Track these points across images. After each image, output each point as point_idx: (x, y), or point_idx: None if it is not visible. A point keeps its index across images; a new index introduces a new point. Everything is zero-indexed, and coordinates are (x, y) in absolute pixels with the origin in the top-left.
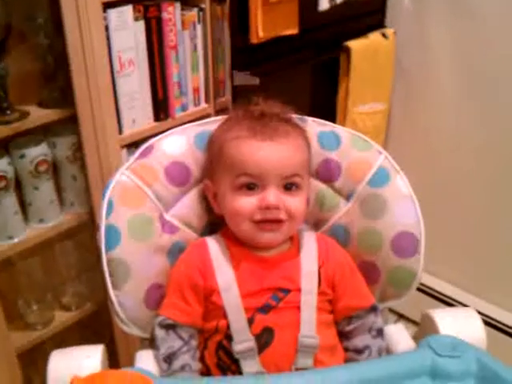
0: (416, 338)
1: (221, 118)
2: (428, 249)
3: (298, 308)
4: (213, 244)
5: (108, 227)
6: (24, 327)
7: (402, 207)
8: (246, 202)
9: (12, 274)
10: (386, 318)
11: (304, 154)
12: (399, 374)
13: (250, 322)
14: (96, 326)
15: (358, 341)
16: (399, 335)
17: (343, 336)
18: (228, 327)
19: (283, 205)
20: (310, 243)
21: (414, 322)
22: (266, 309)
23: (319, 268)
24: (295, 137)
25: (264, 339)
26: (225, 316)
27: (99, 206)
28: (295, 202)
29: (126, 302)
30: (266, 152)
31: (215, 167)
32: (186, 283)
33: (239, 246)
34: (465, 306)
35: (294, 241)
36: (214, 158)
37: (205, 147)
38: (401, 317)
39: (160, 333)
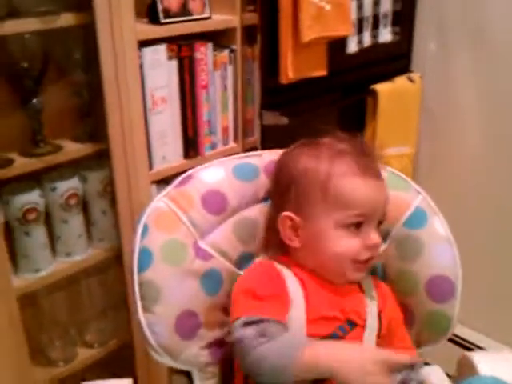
0: (454, 382)
1: (261, 152)
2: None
3: None
4: (277, 264)
5: (141, 250)
6: (46, 363)
7: (439, 250)
8: (353, 243)
9: (37, 308)
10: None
11: None
12: None
13: None
14: (118, 365)
15: None
16: (437, 377)
17: None
18: None
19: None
20: (369, 283)
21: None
22: (332, 339)
23: (380, 312)
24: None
25: None
26: None
27: (128, 241)
28: (380, 239)
29: (157, 326)
30: (376, 192)
31: (311, 200)
32: (266, 293)
33: (306, 272)
34: None
35: None
36: (310, 191)
37: (244, 177)
38: None
39: (246, 331)
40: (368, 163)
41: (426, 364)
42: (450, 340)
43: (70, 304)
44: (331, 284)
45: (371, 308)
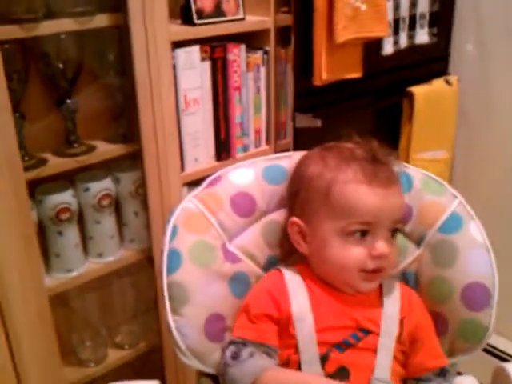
0: None
1: (290, 153)
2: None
3: (375, 352)
4: (288, 274)
5: (170, 251)
6: (77, 363)
7: (475, 256)
8: (358, 252)
9: (68, 308)
10: (454, 376)
11: (404, 199)
12: None
13: (325, 358)
14: (147, 367)
15: None
16: None
17: None
18: (299, 362)
19: (389, 254)
20: (393, 290)
21: None
22: (343, 346)
23: (402, 318)
24: (399, 182)
25: (338, 379)
26: (297, 349)
27: (159, 243)
28: (394, 250)
29: (185, 328)
30: (383, 201)
31: (315, 207)
32: (258, 311)
33: (317, 281)
34: None
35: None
36: (315, 197)
37: (273, 180)
38: None
39: (227, 350)
40: (376, 170)
41: (460, 374)
42: (486, 350)
43: (101, 305)
44: (342, 293)
45: (390, 314)
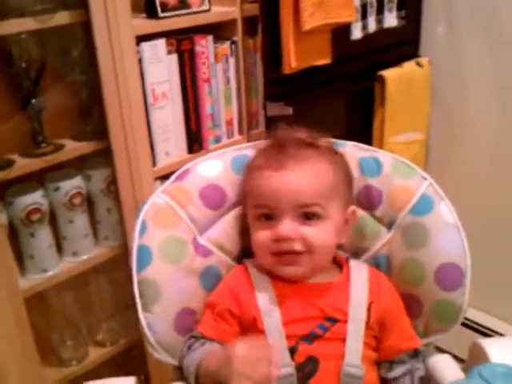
0: (465, 369)
1: (258, 142)
2: (473, 281)
3: (344, 340)
4: (253, 269)
5: (140, 248)
6: (58, 363)
7: (447, 237)
8: (263, 235)
9: (46, 308)
10: (431, 354)
11: (326, 179)
12: None
13: (294, 350)
14: (130, 363)
15: None
16: (446, 365)
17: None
18: None
19: (299, 235)
20: (361, 275)
21: (460, 360)
22: (310, 338)
23: (370, 303)
24: (316, 161)
25: (308, 368)
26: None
27: (132, 235)
28: (314, 233)
29: (156, 325)
30: (278, 182)
31: (244, 194)
32: (221, 307)
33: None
34: None
35: (344, 270)
36: (244, 186)
37: (241, 171)
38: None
39: (185, 343)
40: (281, 156)
41: (438, 349)
42: (464, 324)
43: (80, 304)
44: (307, 283)
45: (357, 300)
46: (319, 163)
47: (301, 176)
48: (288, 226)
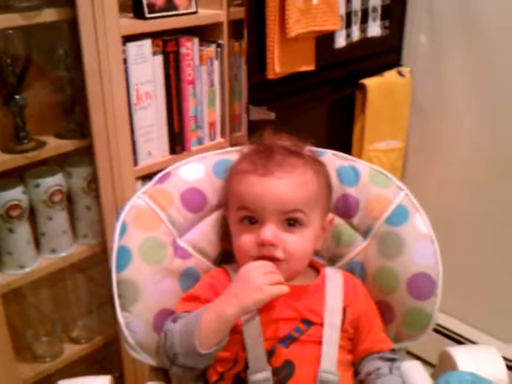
0: (434, 376)
1: (240, 147)
2: (446, 288)
3: (319, 343)
4: (232, 271)
5: (120, 248)
6: (32, 359)
7: (420, 247)
8: (246, 238)
9: (22, 304)
10: (402, 360)
11: (311, 188)
12: None
13: (271, 353)
14: (105, 360)
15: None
16: (416, 372)
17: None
18: (246, 358)
19: (280, 242)
20: (336, 279)
21: (431, 365)
22: (287, 341)
23: (345, 307)
24: (303, 171)
25: (284, 373)
26: (244, 346)
27: (112, 236)
28: (295, 240)
29: (135, 325)
30: (265, 187)
31: (226, 198)
32: (202, 298)
33: None
34: None
35: (320, 275)
36: (227, 190)
37: (223, 175)
38: (417, 359)
39: (169, 325)
40: (267, 162)
41: (412, 355)
42: (439, 332)
43: (56, 300)
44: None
45: (332, 305)
46: (305, 172)
47: (287, 183)
48: (272, 231)
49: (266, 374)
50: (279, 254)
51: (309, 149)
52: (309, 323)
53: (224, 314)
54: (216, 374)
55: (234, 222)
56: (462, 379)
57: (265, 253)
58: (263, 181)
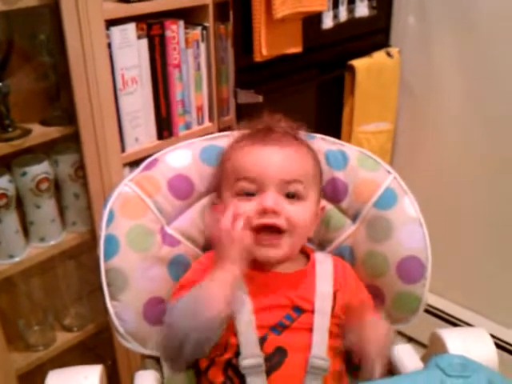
0: (424, 358)
1: (228, 133)
2: (438, 270)
3: (310, 330)
4: None
5: (107, 237)
6: (24, 348)
7: (409, 231)
8: (245, 207)
9: (13, 294)
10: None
11: (308, 165)
12: None
13: (263, 340)
14: (98, 348)
15: None
16: (407, 355)
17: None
18: (238, 344)
19: (283, 210)
20: (326, 264)
21: (424, 345)
22: (279, 328)
23: (335, 292)
24: (299, 148)
25: (276, 359)
26: (235, 332)
27: (100, 224)
28: (295, 211)
29: (124, 314)
30: (266, 154)
31: (220, 181)
32: (193, 280)
33: (251, 262)
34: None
35: (311, 260)
36: (220, 173)
37: (211, 162)
38: (410, 340)
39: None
40: (265, 136)
41: (404, 336)
42: (431, 313)
43: (47, 289)
44: (276, 272)
45: (323, 291)
46: (303, 150)
47: (289, 154)
48: (274, 198)
49: (259, 359)
50: (282, 222)
51: (302, 133)
52: (300, 310)
53: (222, 277)
54: (207, 359)
55: (231, 197)
56: (452, 362)
57: (267, 221)
58: (265, 149)
